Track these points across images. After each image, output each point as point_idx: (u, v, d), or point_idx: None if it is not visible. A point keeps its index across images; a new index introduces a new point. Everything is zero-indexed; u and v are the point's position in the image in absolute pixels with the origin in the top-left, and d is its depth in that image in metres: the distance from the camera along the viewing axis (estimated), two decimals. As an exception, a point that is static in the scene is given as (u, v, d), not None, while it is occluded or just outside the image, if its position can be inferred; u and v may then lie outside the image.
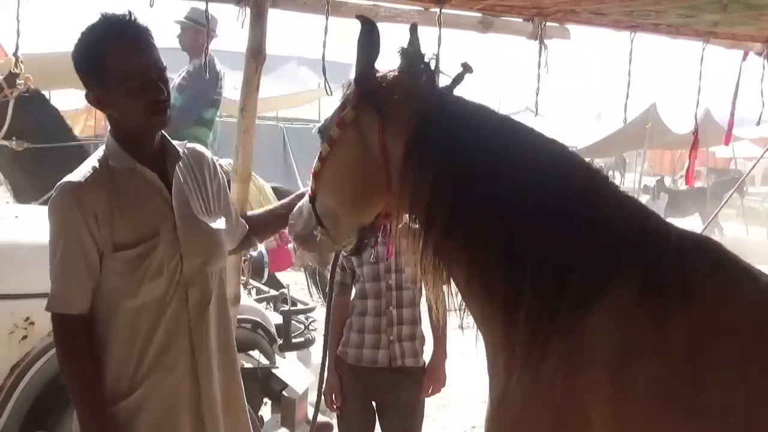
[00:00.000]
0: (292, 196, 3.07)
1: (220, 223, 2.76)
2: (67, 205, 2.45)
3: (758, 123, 4.79)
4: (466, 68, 2.38)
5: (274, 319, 4.76)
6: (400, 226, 2.40)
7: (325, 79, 3.47)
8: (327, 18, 3.44)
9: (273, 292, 5.33)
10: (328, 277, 3.10)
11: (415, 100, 2.27)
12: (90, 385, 2.50)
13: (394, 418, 4.13)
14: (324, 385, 4.12)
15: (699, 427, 1.86)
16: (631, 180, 23.86)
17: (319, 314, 5.39)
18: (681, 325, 1.92)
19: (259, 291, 5.49)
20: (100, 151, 2.60)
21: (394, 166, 2.27)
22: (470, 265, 2.19)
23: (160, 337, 2.56)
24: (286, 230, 2.78)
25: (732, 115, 5.27)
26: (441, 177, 2.19)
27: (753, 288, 1.99)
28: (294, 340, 4.66)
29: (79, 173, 2.53)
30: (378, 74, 2.36)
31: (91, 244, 2.45)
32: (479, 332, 2.34)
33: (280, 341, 4.61)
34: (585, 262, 2.04)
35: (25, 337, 3.85)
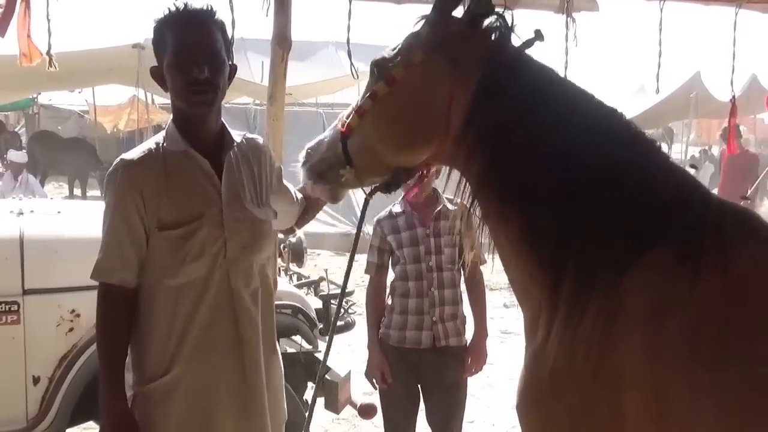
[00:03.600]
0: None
1: (268, 215, 2.80)
2: (118, 181, 2.56)
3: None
4: (538, 35, 2.35)
5: (314, 303, 4.80)
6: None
7: (351, 62, 3.48)
8: (350, 2, 3.44)
9: (313, 278, 5.37)
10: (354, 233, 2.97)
11: (486, 53, 2.26)
12: (114, 355, 2.58)
13: (439, 397, 4.17)
14: (369, 365, 4.19)
15: (724, 376, 1.89)
16: (678, 150, 23.52)
17: (358, 297, 5.44)
18: (714, 284, 1.96)
19: (299, 277, 5.53)
20: (160, 134, 2.70)
21: (456, 113, 2.26)
22: (523, 226, 2.23)
23: (202, 318, 2.61)
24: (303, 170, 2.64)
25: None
26: (503, 136, 2.21)
27: None
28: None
29: (135, 152, 2.65)
30: (451, 21, 2.32)
31: (137, 219, 2.54)
32: (517, 296, 2.39)
33: (320, 325, 4.64)
34: (630, 224, 2.09)
35: (71, 329, 3.98)
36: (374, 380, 4.20)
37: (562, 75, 2.35)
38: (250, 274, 2.71)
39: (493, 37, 2.29)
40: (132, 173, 2.57)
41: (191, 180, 2.62)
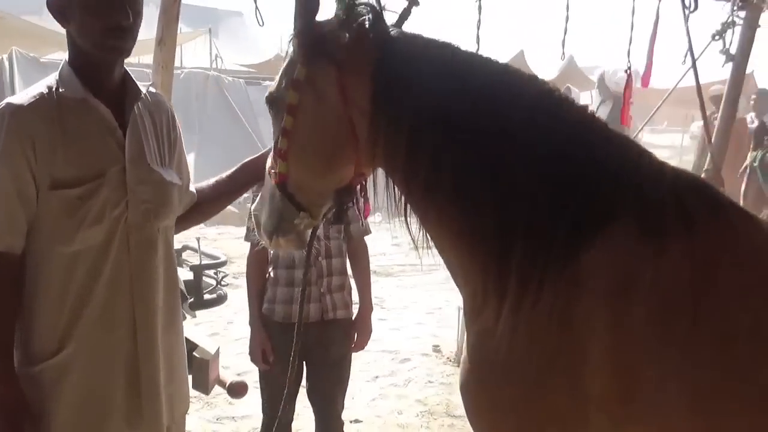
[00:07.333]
0: (236, 167, 2.80)
1: (173, 177, 2.51)
2: (4, 129, 2.18)
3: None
4: (412, 1, 2.23)
5: (183, 275, 4.37)
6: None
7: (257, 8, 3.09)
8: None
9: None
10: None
11: (367, 43, 2.10)
12: (3, 334, 2.25)
13: (324, 373, 3.94)
14: (252, 344, 3.88)
15: (695, 357, 1.83)
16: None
17: (231, 269, 5.06)
18: (681, 258, 1.90)
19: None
20: (51, 78, 2.32)
21: (358, 116, 2.11)
22: (457, 214, 2.09)
23: (100, 290, 2.31)
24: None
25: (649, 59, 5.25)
26: (419, 125, 2.04)
27: (751, 225, 2.00)
28: (205, 297, 4.31)
29: (24, 96, 2.26)
30: (320, 25, 2.17)
31: (28, 175, 2.20)
32: (453, 275, 2.28)
33: (190, 299, 4.25)
34: (578, 201, 1.98)
35: None
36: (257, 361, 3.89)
37: (453, 44, 2.17)
38: (153, 242, 2.42)
39: (367, 25, 2.13)
40: (22, 121, 2.18)
41: (91, 133, 2.29)
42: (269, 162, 2.35)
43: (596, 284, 1.91)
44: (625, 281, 1.89)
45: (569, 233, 1.95)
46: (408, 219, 2.21)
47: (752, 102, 10.04)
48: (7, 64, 13.46)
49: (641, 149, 2.10)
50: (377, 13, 2.14)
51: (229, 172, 2.79)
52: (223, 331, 7.01)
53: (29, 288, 2.28)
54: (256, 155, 2.79)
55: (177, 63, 21.63)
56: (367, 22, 2.13)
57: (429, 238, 2.23)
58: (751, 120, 9.52)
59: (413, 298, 9.01)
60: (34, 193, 2.21)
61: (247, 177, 2.76)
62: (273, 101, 2.27)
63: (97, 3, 2.19)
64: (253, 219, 2.47)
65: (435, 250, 2.25)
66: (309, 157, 2.21)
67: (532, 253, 1.98)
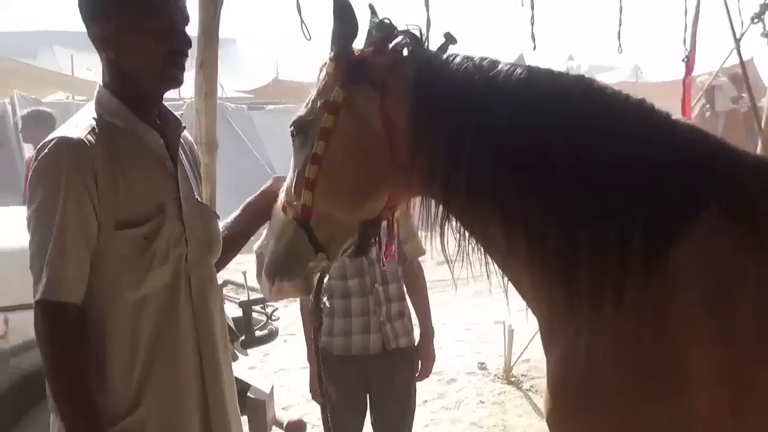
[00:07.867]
0: (239, 210, 2.57)
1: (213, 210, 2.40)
2: (65, 164, 1.96)
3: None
4: (449, 39, 2.19)
5: (231, 311, 4.14)
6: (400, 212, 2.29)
7: (302, 20, 2.85)
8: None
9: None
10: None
11: (406, 65, 2.07)
12: (88, 393, 2.00)
13: (389, 405, 3.74)
14: (312, 380, 3.67)
15: None
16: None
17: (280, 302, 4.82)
18: None
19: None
20: (90, 107, 2.13)
21: (399, 138, 2.04)
22: (509, 224, 1.95)
23: (169, 335, 2.14)
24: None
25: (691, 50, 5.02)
26: (457, 133, 1.97)
27: None
28: (257, 334, 4.07)
29: (75, 128, 2.04)
30: (357, 49, 2.14)
31: (92, 214, 1.99)
32: (525, 299, 2.12)
33: (241, 337, 4.01)
34: (649, 197, 1.82)
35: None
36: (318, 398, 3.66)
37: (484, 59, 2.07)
38: (213, 278, 2.29)
39: (405, 53, 2.12)
40: (82, 154, 1.98)
41: (146, 163, 2.13)
42: (282, 196, 2.24)
43: (691, 286, 1.75)
44: (724, 280, 1.74)
45: (647, 235, 1.79)
46: (444, 239, 2.09)
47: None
48: (9, 107, 13.36)
49: (708, 135, 1.96)
50: (414, 36, 2.12)
51: (234, 215, 2.58)
52: (260, 363, 6.78)
53: (96, 343, 2.06)
54: (255, 195, 2.58)
55: (174, 95, 21.59)
56: (404, 45, 2.11)
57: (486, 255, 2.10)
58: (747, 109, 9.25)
59: (448, 314, 8.76)
60: (96, 233, 2.01)
61: (251, 219, 2.56)
62: (302, 126, 2.17)
63: (164, 27, 2.05)
64: (256, 258, 2.32)
65: (461, 263, 2.12)
66: (341, 185, 2.12)
67: (601, 265, 1.82)
